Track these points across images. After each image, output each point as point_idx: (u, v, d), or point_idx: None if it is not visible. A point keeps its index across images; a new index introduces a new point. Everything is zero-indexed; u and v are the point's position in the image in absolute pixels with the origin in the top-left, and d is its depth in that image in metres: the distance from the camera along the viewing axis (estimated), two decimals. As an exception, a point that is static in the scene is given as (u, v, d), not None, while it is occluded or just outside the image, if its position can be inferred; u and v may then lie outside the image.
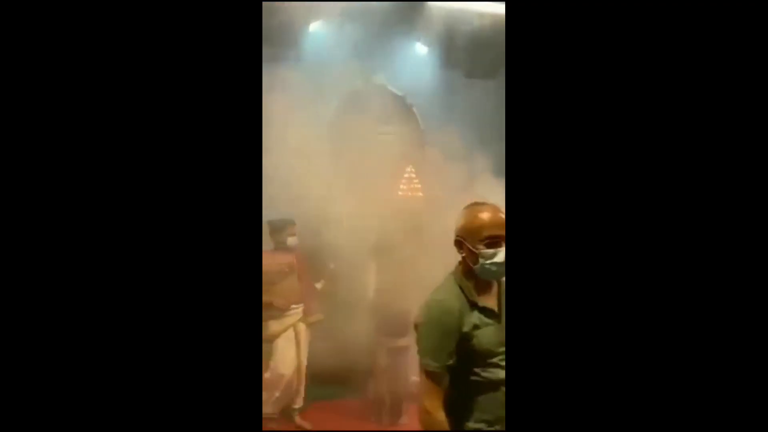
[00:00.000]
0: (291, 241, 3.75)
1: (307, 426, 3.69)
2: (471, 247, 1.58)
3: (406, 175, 4.80)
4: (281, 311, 3.60)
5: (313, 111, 4.55)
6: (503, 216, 1.56)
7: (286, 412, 3.72)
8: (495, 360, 1.56)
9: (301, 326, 3.75)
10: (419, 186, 4.77)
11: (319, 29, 4.94)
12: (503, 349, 1.55)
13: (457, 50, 5.16)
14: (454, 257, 1.66)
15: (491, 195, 1.89)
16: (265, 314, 3.37)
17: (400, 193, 4.74)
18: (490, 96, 5.19)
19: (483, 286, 1.63)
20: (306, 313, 3.77)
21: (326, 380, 3.97)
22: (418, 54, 5.38)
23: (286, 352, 3.64)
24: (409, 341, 3.61)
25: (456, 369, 1.54)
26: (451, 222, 1.68)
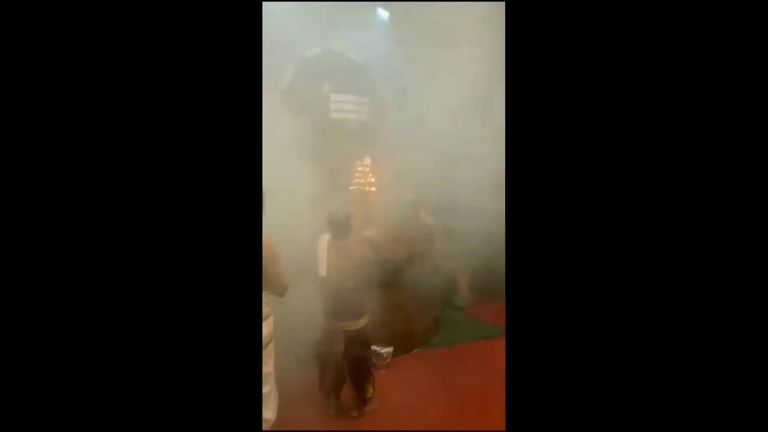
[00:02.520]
0: None
1: None
2: None
3: (359, 169, 4.65)
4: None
5: (267, 78, 4.35)
6: None
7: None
8: None
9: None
10: (373, 180, 4.65)
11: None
12: None
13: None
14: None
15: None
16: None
17: (351, 188, 4.56)
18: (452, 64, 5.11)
19: None
20: None
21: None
22: (380, 21, 5.22)
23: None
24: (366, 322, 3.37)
25: None
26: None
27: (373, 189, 4.60)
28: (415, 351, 4.58)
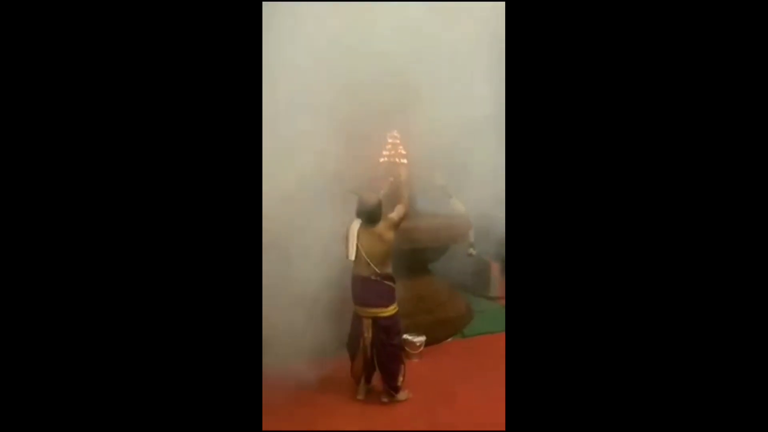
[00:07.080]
0: None
1: None
2: None
3: (390, 141, 4.60)
4: None
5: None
6: None
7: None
8: None
9: None
10: (404, 152, 4.57)
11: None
12: None
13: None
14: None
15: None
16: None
17: (381, 160, 4.52)
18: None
19: None
20: None
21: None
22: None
23: None
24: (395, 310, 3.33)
25: None
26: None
27: (404, 161, 4.50)
28: (448, 340, 4.56)
